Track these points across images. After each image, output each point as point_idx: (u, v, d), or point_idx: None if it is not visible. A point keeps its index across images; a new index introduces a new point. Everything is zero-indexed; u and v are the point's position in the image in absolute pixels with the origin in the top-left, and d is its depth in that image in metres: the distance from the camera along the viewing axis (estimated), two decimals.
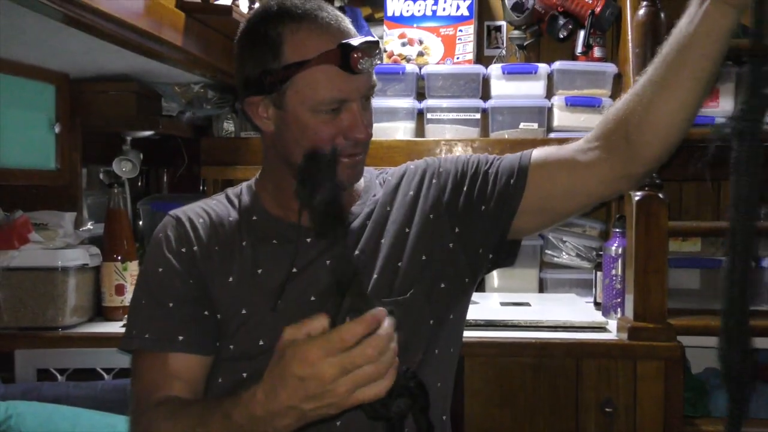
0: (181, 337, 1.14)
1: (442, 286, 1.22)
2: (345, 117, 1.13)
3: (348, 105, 1.13)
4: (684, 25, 1.05)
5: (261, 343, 1.14)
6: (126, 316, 1.24)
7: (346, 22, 1.16)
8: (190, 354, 1.14)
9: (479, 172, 1.25)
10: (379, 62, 1.14)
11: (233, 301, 1.16)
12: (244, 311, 1.15)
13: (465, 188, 1.25)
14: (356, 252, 1.20)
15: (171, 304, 1.16)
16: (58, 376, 1.80)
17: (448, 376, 1.26)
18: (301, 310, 1.13)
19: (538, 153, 1.24)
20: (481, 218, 1.24)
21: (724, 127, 0.86)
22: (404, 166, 1.33)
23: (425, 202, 1.25)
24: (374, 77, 1.17)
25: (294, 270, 1.16)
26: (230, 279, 1.17)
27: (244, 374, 1.14)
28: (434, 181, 1.27)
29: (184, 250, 1.18)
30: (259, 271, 1.17)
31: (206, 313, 1.16)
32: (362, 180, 1.29)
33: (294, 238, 1.18)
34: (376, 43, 1.13)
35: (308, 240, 1.19)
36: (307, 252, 1.18)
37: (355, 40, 1.11)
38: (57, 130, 1.94)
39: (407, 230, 1.23)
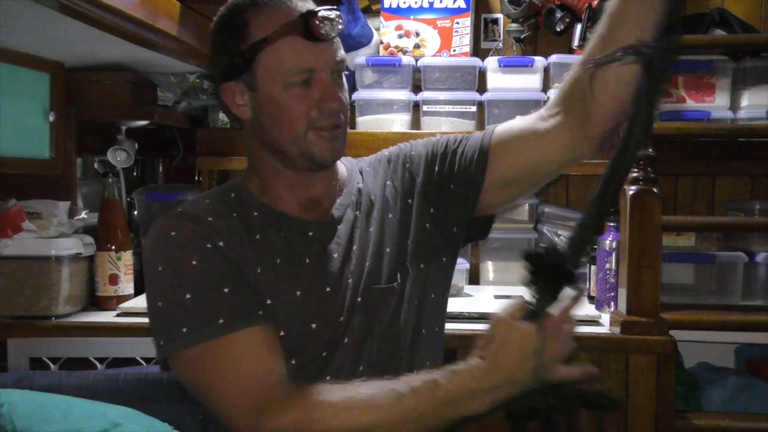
0: (260, 312, 1.10)
1: (422, 266, 1.25)
2: (316, 89, 1.15)
3: (317, 75, 1.15)
4: None
5: (282, 333, 1.13)
6: (153, 322, 1.12)
7: (310, 2, 1.19)
8: (269, 328, 1.10)
9: (448, 152, 1.28)
10: (341, 27, 1.16)
11: (261, 291, 1.14)
12: (269, 301, 1.14)
13: (436, 168, 1.28)
14: (354, 247, 1.22)
15: (226, 290, 1.09)
16: (51, 365, 1.80)
17: (436, 355, 1.28)
18: (318, 301, 1.17)
19: (500, 128, 1.26)
20: (451, 197, 1.27)
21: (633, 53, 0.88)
22: (380, 153, 1.35)
23: (402, 187, 1.29)
24: (341, 52, 1.19)
25: (307, 261, 1.18)
26: (258, 269, 1.15)
27: None
28: (408, 165, 1.31)
29: (209, 245, 1.12)
30: (278, 260, 1.17)
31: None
32: (344, 169, 1.31)
33: (299, 231, 1.20)
34: (336, 8, 1.16)
35: (310, 233, 1.21)
36: (312, 244, 1.20)
37: (314, 8, 1.14)
38: (51, 119, 1.93)
39: (390, 216, 1.26)
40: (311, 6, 1.17)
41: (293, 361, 1.14)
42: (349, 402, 1.03)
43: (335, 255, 1.20)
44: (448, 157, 1.28)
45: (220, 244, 1.13)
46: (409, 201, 1.27)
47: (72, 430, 1.40)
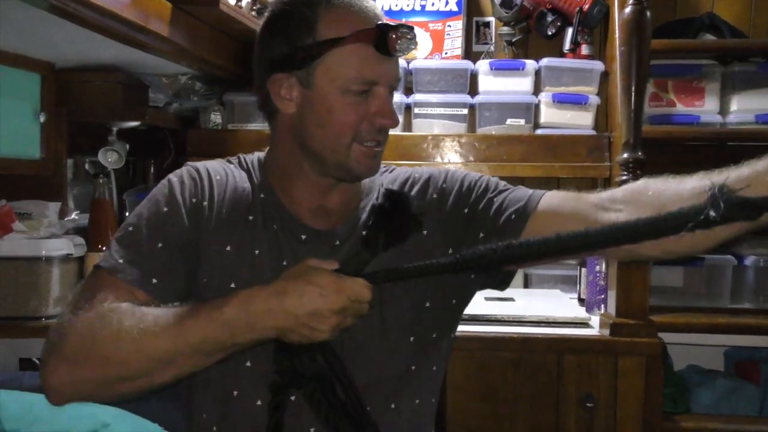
0: (155, 281, 1.10)
1: (428, 305, 1.19)
2: (373, 101, 1.11)
3: (377, 89, 1.11)
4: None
5: None
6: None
7: (380, 9, 1.15)
8: (155, 300, 1.09)
9: (484, 197, 1.20)
10: (414, 48, 1.13)
11: (225, 271, 1.14)
12: (233, 285, 1.12)
13: (466, 210, 1.20)
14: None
15: (160, 245, 1.12)
16: None
17: (428, 393, 1.21)
18: None
19: (550, 197, 1.17)
20: (476, 244, 1.11)
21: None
22: (407, 172, 1.27)
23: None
24: (399, 70, 1.16)
25: (284, 263, 1.14)
26: (228, 248, 1.14)
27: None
28: (435, 196, 1.22)
29: (194, 200, 1.16)
30: (257, 251, 1.15)
31: (185, 272, 1.13)
32: (366, 180, 1.24)
33: (293, 231, 1.17)
34: (412, 28, 1.12)
35: (303, 237, 1.17)
36: (299, 249, 1.16)
37: (393, 22, 1.10)
38: (42, 119, 1.93)
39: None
40: (384, 18, 1.13)
41: (248, 364, 1.12)
42: (134, 327, 1.00)
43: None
44: (483, 202, 1.19)
45: (204, 203, 1.16)
46: (425, 233, 1.18)
47: (61, 430, 1.39)
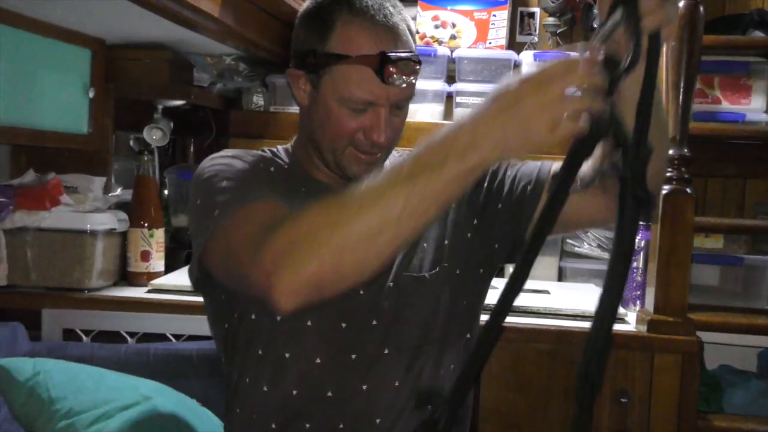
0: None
1: (458, 272, 1.25)
2: (369, 117, 1.15)
3: (375, 108, 1.15)
4: None
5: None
6: (212, 194, 1.10)
7: (403, 27, 1.15)
8: None
9: (499, 172, 1.28)
10: (414, 80, 1.14)
11: None
12: None
13: (486, 183, 1.27)
14: None
15: (258, 174, 1.17)
16: (84, 337, 1.83)
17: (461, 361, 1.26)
18: None
19: (557, 167, 1.18)
20: (498, 216, 1.26)
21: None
22: None
23: None
24: (412, 89, 1.16)
25: None
26: None
27: (278, 317, 1.14)
28: None
29: (273, 169, 1.22)
30: None
31: None
32: (387, 164, 1.28)
33: None
34: (417, 61, 1.14)
35: None
36: None
37: (396, 54, 1.11)
38: (91, 94, 1.96)
39: None
40: (402, 32, 1.14)
41: (309, 323, 1.15)
42: (350, 201, 0.91)
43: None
44: (500, 175, 1.27)
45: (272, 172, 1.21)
46: (453, 205, 1.26)
47: (105, 400, 1.42)
